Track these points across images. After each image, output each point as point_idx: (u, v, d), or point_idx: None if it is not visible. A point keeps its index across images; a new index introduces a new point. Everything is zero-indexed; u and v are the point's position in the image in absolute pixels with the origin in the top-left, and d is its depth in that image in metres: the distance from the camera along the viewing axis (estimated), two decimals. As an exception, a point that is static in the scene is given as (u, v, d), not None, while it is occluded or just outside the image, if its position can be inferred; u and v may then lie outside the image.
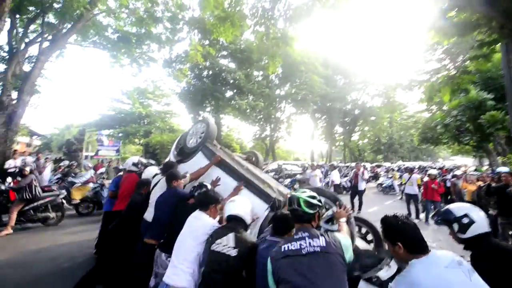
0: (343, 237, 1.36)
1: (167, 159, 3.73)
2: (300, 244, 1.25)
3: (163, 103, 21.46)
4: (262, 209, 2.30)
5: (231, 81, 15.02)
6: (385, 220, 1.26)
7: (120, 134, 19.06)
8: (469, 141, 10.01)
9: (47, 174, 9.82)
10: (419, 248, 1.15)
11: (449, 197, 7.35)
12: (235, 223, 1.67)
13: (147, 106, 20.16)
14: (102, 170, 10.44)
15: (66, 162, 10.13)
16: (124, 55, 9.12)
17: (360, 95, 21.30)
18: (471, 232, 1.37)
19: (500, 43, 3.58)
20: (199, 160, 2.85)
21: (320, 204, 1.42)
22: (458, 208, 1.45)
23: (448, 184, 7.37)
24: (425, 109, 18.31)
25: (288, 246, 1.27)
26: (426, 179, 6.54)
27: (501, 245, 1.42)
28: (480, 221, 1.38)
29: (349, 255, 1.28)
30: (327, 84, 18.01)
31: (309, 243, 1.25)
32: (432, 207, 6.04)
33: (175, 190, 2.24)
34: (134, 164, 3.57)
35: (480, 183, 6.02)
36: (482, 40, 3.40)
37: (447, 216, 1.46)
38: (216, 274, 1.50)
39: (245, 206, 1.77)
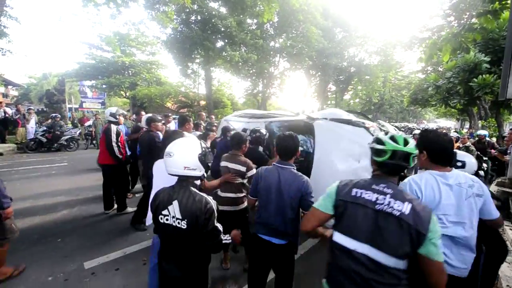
0: (434, 217, 1.02)
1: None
2: (377, 198, 1.06)
3: (148, 52, 19.78)
4: None
5: (222, 29, 13.71)
6: (423, 131, 1.55)
7: (104, 86, 17.89)
8: (457, 104, 10.23)
9: (32, 126, 9.47)
10: (440, 160, 1.38)
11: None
12: (180, 182, 1.35)
13: (130, 55, 18.55)
14: (89, 123, 10.16)
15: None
16: (99, -9, 7.90)
17: (358, 51, 20.35)
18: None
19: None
20: None
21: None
22: (459, 155, 1.93)
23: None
24: (420, 69, 18.01)
25: (362, 193, 1.09)
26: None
27: None
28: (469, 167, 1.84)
29: (432, 236, 0.97)
30: (325, 37, 16.87)
31: (389, 202, 1.03)
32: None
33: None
34: (112, 115, 3.74)
35: (459, 144, 6.57)
36: (496, -6, 3.16)
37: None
38: (172, 253, 1.34)
39: (189, 154, 1.32)
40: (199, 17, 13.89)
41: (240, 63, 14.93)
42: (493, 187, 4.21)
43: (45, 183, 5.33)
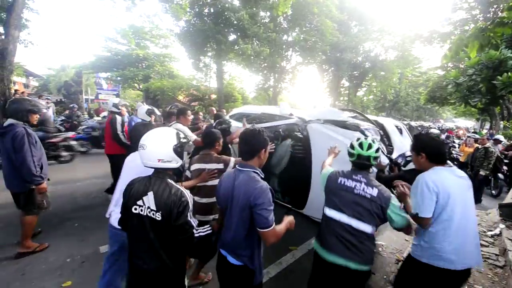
0: (395, 198, 1.54)
1: None
2: (355, 185, 1.55)
3: (161, 45, 19.98)
4: None
5: (235, 22, 13.59)
6: (417, 135, 1.73)
7: (119, 78, 18.30)
8: (477, 103, 9.73)
9: (50, 115, 9.86)
10: (438, 159, 1.55)
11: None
12: (157, 174, 1.29)
13: (144, 48, 18.82)
14: (105, 113, 10.46)
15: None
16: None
17: (374, 46, 19.66)
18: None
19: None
20: None
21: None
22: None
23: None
24: (439, 66, 17.20)
25: (345, 181, 1.60)
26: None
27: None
28: None
29: (394, 211, 1.48)
30: (340, 31, 16.38)
31: (363, 188, 1.53)
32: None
33: None
34: (115, 105, 3.85)
35: (477, 145, 6.29)
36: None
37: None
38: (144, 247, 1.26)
39: (163, 146, 1.25)
40: (212, 10, 13.82)
41: (252, 57, 14.80)
42: (514, 191, 4.02)
43: (64, 169, 5.60)
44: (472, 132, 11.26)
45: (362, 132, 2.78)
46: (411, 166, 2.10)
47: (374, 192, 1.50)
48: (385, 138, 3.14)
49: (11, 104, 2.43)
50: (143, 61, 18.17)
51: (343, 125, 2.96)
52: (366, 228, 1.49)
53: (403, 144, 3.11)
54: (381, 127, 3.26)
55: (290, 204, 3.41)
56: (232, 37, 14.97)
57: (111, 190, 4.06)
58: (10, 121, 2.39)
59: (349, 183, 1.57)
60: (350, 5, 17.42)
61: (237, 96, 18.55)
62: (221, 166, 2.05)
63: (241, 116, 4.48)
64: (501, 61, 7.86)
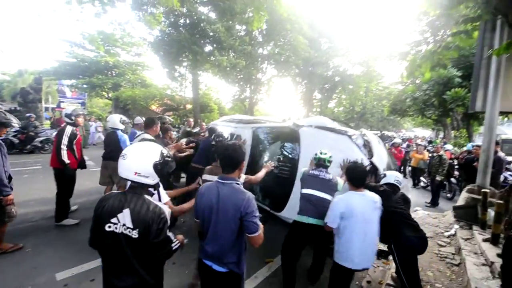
0: (340, 180, 2.58)
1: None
2: (319, 173, 2.50)
3: (133, 53, 19.31)
4: None
5: (211, 34, 13.73)
6: (348, 166, 2.31)
7: (85, 86, 17.17)
8: (432, 115, 10.88)
9: None
10: (356, 184, 2.13)
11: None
12: (133, 189, 1.26)
13: (114, 55, 18.02)
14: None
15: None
16: (83, -11, 7.65)
17: (342, 61, 21.13)
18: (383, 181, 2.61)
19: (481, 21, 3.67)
20: None
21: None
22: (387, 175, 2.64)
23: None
24: (399, 81, 18.99)
25: (313, 172, 2.53)
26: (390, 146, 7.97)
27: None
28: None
29: (339, 188, 2.50)
30: (311, 47, 17.39)
31: (324, 175, 2.49)
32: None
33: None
34: (67, 115, 3.57)
35: (427, 153, 7.78)
36: (467, 15, 3.45)
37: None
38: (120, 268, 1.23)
39: (143, 160, 1.23)
40: (187, 21, 13.83)
41: (228, 68, 14.97)
42: (464, 194, 4.48)
43: (16, 188, 4.97)
44: (428, 141, 12.49)
45: (349, 137, 3.09)
46: (384, 181, 2.62)
47: (330, 176, 2.50)
48: (367, 143, 3.42)
49: None
50: (113, 68, 17.35)
51: (332, 130, 3.27)
52: (327, 196, 2.38)
53: (380, 150, 3.44)
54: (363, 135, 3.57)
55: (269, 206, 3.57)
56: (208, 48, 15.04)
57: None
58: None
59: (316, 172, 2.52)
60: (320, 24, 18.66)
61: (213, 107, 18.44)
62: None
63: (232, 120, 4.89)
64: (449, 78, 8.95)
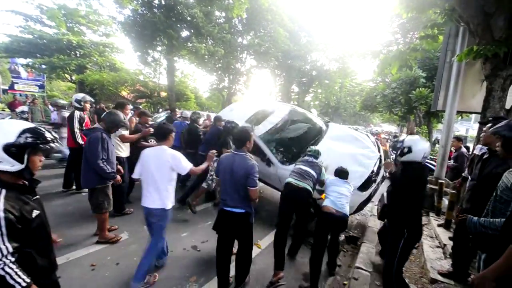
0: (324, 168, 3.07)
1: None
2: (309, 158, 3.04)
3: (100, 33, 17.68)
4: None
5: (188, 19, 13.06)
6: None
7: (44, 66, 15.37)
8: (398, 111, 11.71)
9: None
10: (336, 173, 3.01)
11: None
12: None
13: (79, 34, 16.34)
14: (24, 108, 8.69)
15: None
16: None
17: (320, 56, 21.60)
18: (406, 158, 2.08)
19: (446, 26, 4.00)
20: None
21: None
22: (407, 140, 2.12)
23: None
24: (371, 79, 20.05)
25: (306, 157, 3.08)
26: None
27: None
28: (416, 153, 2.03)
29: (322, 175, 2.99)
30: (291, 40, 17.46)
31: (312, 159, 3.03)
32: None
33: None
34: (77, 101, 3.96)
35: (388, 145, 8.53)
36: (435, 20, 3.73)
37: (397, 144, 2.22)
38: None
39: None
40: (163, 2, 12.97)
41: (206, 56, 14.47)
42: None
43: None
44: (394, 136, 13.54)
45: (366, 134, 4.56)
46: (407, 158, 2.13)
47: (317, 161, 3.05)
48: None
49: None
50: (77, 49, 15.72)
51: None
52: (313, 172, 2.89)
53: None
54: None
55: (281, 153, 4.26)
56: (185, 33, 14.33)
57: (67, 184, 4.30)
58: None
59: (307, 157, 3.07)
60: (300, 18, 18.75)
61: (189, 95, 17.79)
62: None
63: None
64: (415, 78, 9.65)
